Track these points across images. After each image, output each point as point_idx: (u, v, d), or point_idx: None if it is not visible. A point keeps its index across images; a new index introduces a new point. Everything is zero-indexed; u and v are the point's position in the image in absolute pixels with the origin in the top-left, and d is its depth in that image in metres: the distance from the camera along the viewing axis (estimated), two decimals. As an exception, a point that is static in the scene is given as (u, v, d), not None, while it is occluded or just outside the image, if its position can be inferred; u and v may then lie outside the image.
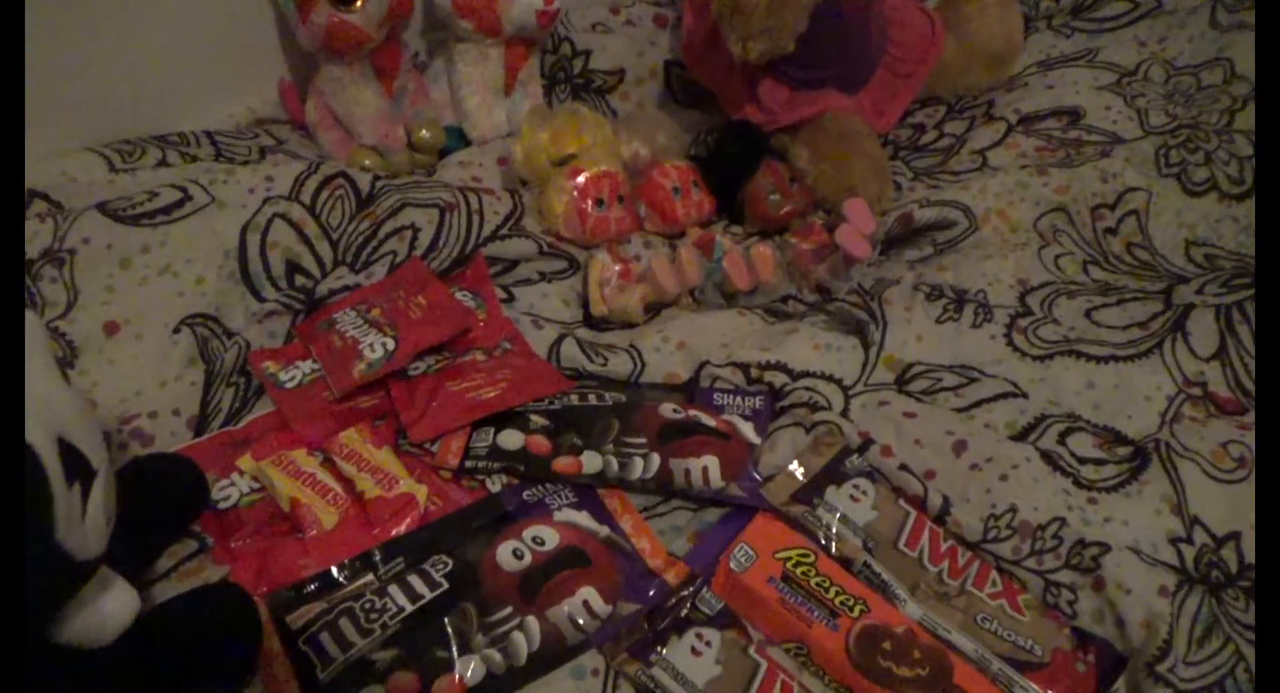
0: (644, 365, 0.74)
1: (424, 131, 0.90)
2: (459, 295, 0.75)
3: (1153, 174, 0.97)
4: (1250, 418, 0.73)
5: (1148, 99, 1.07)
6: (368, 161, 0.87)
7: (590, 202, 0.83)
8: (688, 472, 0.64)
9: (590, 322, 0.81)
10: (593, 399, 0.70)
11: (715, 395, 0.72)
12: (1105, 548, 0.61)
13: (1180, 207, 0.95)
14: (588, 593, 0.57)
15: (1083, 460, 0.69)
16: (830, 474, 0.65)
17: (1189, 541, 0.64)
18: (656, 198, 0.88)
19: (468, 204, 0.82)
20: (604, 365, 0.74)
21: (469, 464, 0.65)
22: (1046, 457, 0.68)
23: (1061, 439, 0.70)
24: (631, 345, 0.76)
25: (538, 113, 0.87)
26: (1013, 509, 0.63)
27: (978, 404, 0.73)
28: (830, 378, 0.75)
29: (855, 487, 0.64)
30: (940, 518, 0.64)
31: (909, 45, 1.04)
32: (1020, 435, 0.71)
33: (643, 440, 0.66)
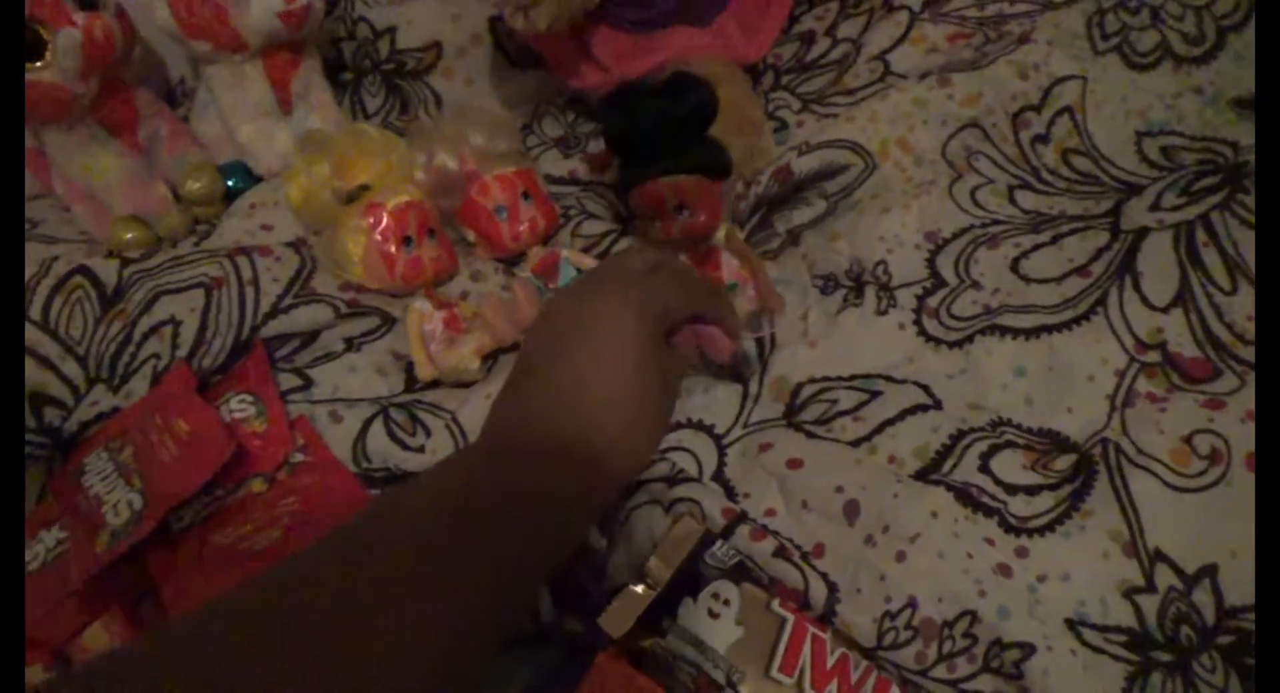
0: (467, 442, 0.61)
1: (192, 183, 0.74)
2: (237, 403, 0.62)
3: (1085, 53, 0.78)
4: (1223, 385, 0.57)
5: (1083, -70, 0.87)
6: (130, 235, 0.72)
7: (395, 242, 0.68)
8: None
9: (418, 386, 0.67)
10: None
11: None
12: (1028, 650, 0.47)
13: (1125, 89, 0.77)
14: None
15: (1011, 489, 0.55)
16: (687, 581, 0.51)
17: (1150, 588, 0.50)
18: (479, 223, 0.72)
19: (238, 275, 0.68)
20: (420, 452, 0.61)
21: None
22: (963, 495, 0.54)
23: (984, 463, 0.56)
24: (454, 419, 0.63)
25: (312, 140, 0.70)
26: (911, 604, 0.49)
27: (881, 429, 0.59)
28: (699, 425, 0.62)
29: (714, 597, 0.50)
30: (827, 616, 0.51)
31: (772, -62, 0.85)
32: (932, 466, 0.56)
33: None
